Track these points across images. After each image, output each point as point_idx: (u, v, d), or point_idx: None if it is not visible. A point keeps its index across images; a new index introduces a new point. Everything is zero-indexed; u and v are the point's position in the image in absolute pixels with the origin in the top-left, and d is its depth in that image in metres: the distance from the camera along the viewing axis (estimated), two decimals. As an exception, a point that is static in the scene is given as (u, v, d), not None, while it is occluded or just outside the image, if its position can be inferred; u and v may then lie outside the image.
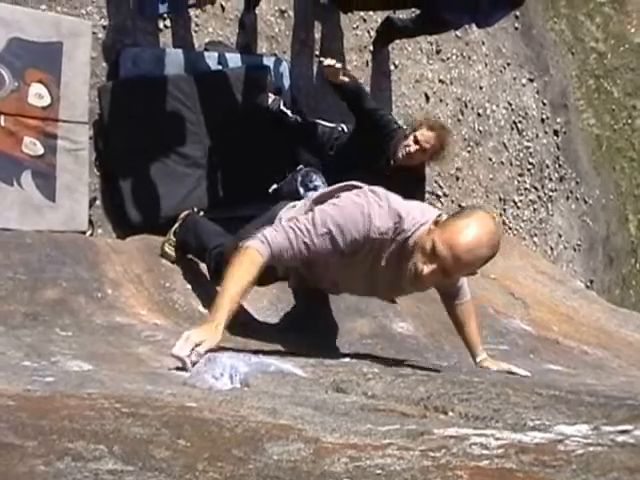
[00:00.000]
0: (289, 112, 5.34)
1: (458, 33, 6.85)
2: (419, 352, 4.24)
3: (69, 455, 1.24)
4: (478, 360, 3.63)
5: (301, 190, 4.73)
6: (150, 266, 4.08)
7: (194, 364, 2.46)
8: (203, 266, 4.08)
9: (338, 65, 4.91)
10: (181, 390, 1.99)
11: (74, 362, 2.38)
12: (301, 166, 4.92)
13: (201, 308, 3.89)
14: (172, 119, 4.98)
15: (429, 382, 2.10)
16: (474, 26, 6.43)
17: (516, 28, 7.38)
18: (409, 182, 4.80)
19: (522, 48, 7.47)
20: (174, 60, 5.13)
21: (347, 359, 2.94)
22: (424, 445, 1.43)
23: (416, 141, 4.84)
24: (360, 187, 3.13)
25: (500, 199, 7.37)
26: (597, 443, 1.48)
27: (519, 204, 7.51)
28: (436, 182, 6.95)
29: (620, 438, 1.53)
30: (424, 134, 4.85)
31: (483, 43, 7.16)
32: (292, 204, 3.51)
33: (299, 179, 4.77)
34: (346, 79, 4.97)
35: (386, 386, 2.09)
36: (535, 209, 7.61)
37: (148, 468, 1.24)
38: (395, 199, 3.04)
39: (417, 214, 2.99)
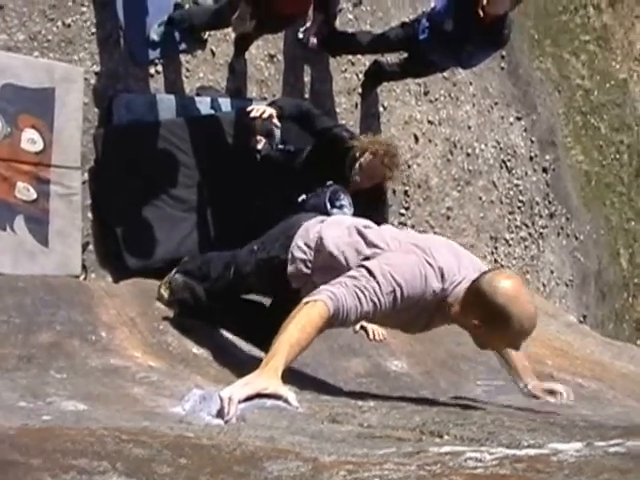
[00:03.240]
0: (279, 149, 5.33)
1: (445, 74, 6.93)
2: (414, 389, 4.24)
3: (74, 469, 1.25)
4: (530, 387, 3.61)
5: (328, 206, 4.60)
6: (144, 309, 4.09)
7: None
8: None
9: (266, 114, 4.60)
10: (178, 425, 2.00)
11: (69, 402, 2.39)
12: (330, 182, 4.80)
13: (195, 350, 3.89)
14: (167, 163, 5.04)
15: (424, 412, 2.12)
16: (459, 68, 6.53)
17: (502, 68, 7.48)
18: (370, 200, 4.76)
19: (509, 87, 7.56)
20: (167, 105, 5.19)
21: (343, 397, 2.96)
22: (420, 460, 1.45)
23: (361, 169, 4.70)
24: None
25: (491, 237, 7.42)
26: (589, 454, 1.50)
27: (510, 242, 7.55)
28: (427, 222, 7.00)
29: (612, 449, 1.55)
30: (369, 163, 4.69)
31: (470, 83, 7.24)
32: (320, 218, 3.54)
33: (328, 195, 4.64)
34: (277, 123, 4.74)
35: (382, 417, 2.11)
36: (526, 246, 7.65)
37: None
38: (438, 254, 3.09)
39: (456, 270, 3.06)
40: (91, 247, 4.97)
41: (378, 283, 2.92)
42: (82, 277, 4.65)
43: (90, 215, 5.01)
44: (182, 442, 1.58)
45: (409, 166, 6.86)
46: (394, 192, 6.58)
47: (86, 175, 5.00)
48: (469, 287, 3.00)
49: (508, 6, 5.36)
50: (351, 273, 3.00)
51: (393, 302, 2.95)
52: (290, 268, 3.39)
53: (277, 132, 5.56)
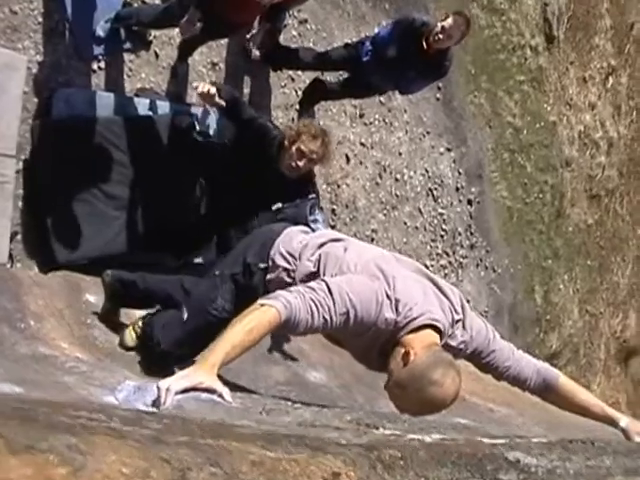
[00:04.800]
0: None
1: (382, 99, 7.05)
2: (333, 401, 4.30)
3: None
4: (623, 425, 3.34)
5: (309, 218, 4.61)
6: (71, 302, 4.08)
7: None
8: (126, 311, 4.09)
9: (212, 90, 4.72)
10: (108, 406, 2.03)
11: (5, 385, 2.39)
12: (313, 195, 4.83)
13: (123, 350, 3.90)
14: (102, 160, 5.03)
15: (353, 412, 2.19)
16: (397, 93, 6.66)
17: (438, 98, 7.64)
18: (297, 189, 4.84)
19: (442, 118, 7.73)
20: (106, 103, 5.18)
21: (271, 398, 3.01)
22: (370, 438, 1.51)
23: (301, 153, 4.77)
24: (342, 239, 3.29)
25: (412, 262, 7.54)
26: (515, 442, 1.61)
27: (430, 269, 7.68)
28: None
29: (535, 440, 1.66)
30: (308, 145, 4.75)
31: (405, 111, 7.38)
32: (303, 229, 3.53)
33: (309, 207, 4.65)
34: (222, 102, 4.82)
35: (314, 414, 2.17)
36: (446, 274, 7.80)
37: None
38: (401, 285, 3.10)
39: (413, 305, 3.07)
40: (19, 237, 4.92)
41: (334, 301, 2.94)
42: (8, 266, 4.61)
43: (21, 205, 4.97)
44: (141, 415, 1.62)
45: (338, 186, 6.95)
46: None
47: (20, 164, 4.96)
48: (426, 344, 3.01)
49: (454, 42, 5.52)
50: (311, 284, 3.03)
51: (345, 322, 2.97)
52: (270, 275, 3.34)
53: (213, 115, 5.54)
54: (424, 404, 2.94)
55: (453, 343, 3.21)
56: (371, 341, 3.10)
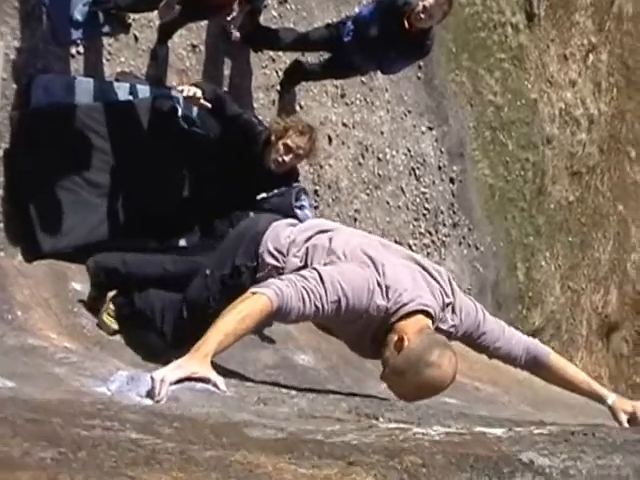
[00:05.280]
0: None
1: (363, 79, 7.03)
2: (321, 383, 4.31)
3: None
4: (610, 403, 3.40)
5: (295, 205, 4.62)
6: (57, 291, 4.06)
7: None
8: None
9: (198, 93, 4.75)
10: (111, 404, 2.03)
11: (-4, 379, 2.38)
12: (297, 184, 4.86)
13: (108, 335, 3.88)
14: (84, 147, 4.99)
15: (348, 400, 2.20)
16: (379, 72, 6.64)
17: (419, 77, 7.62)
18: (283, 183, 4.84)
19: (424, 97, 7.72)
20: (85, 88, 5.13)
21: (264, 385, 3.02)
22: (376, 433, 1.52)
23: (288, 148, 4.78)
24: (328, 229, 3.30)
25: (395, 242, 7.54)
26: (516, 435, 1.62)
27: (413, 247, 7.70)
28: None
29: (536, 431, 1.68)
30: (295, 141, 4.78)
31: (386, 90, 7.36)
32: (289, 221, 3.52)
33: (294, 194, 4.66)
34: (208, 104, 4.83)
35: (310, 402, 2.18)
36: (429, 253, 7.81)
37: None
38: (391, 271, 3.12)
39: (403, 291, 3.10)
40: (1, 225, 4.88)
41: (325, 290, 2.96)
42: (-9, 255, 4.58)
43: (2, 193, 4.92)
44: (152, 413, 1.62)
45: (321, 166, 6.93)
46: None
47: (0, 152, 4.91)
48: (418, 329, 3.04)
49: (436, 22, 5.51)
50: (303, 273, 3.04)
51: (336, 311, 2.99)
52: (260, 274, 3.32)
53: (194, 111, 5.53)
54: (423, 387, 2.97)
55: (444, 327, 3.23)
56: (363, 328, 3.12)
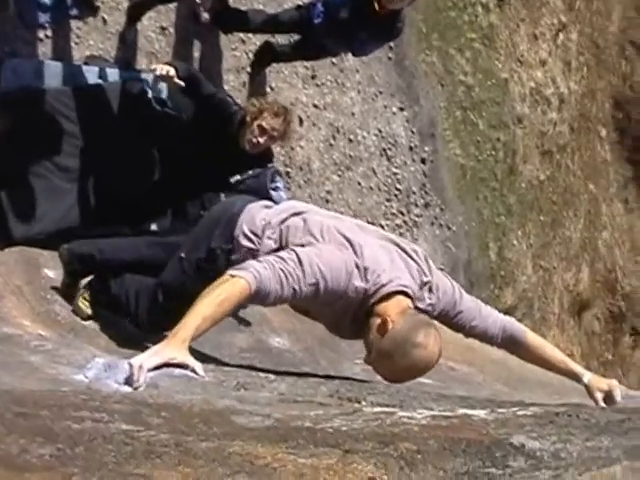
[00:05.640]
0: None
1: (334, 60, 7.01)
2: (297, 366, 4.33)
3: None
4: (586, 381, 3.43)
5: (270, 186, 4.62)
6: (30, 278, 4.04)
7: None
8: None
9: (172, 72, 4.77)
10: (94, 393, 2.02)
11: (-29, 368, 2.36)
12: (271, 165, 4.86)
13: (83, 320, 3.87)
14: (54, 132, 4.95)
15: (327, 383, 2.21)
16: (350, 54, 6.62)
17: (390, 58, 7.61)
18: (257, 164, 4.86)
19: (394, 78, 7.71)
20: (54, 72, 5.08)
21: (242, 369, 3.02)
22: (362, 418, 1.53)
23: (262, 130, 4.79)
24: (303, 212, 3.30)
25: (368, 223, 7.54)
26: (501, 417, 1.63)
27: (386, 228, 7.70)
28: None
29: (520, 413, 1.70)
30: (270, 122, 4.79)
31: (357, 71, 7.35)
32: (264, 203, 3.51)
33: (269, 176, 4.66)
34: (181, 83, 4.84)
35: (290, 387, 2.19)
36: (401, 233, 7.82)
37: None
38: (368, 252, 3.12)
39: (381, 272, 3.11)
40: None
41: (304, 272, 2.96)
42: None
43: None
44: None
45: (292, 148, 6.91)
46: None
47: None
48: (400, 310, 3.06)
49: (406, 4, 5.50)
50: (281, 254, 3.03)
51: (314, 293, 2.99)
52: (235, 256, 3.32)
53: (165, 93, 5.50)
54: (412, 368, 2.99)
55: (421, 306, 3.24)
56: (342, 310, 3.12)
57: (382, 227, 7.65)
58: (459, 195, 8.40)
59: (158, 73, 4.77)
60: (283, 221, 3.31)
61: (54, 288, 3.98)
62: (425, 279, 3.26)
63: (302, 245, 3.12)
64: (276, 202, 3.68)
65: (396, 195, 7.82)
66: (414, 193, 7.95)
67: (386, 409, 1.74)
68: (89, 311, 3.95)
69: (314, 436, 1.36)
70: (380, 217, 7.71)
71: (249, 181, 4.72)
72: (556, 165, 9.57)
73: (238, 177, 4.80)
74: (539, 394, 4.22)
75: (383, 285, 3.08)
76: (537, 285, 9.15)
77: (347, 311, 3.13)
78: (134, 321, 3.77)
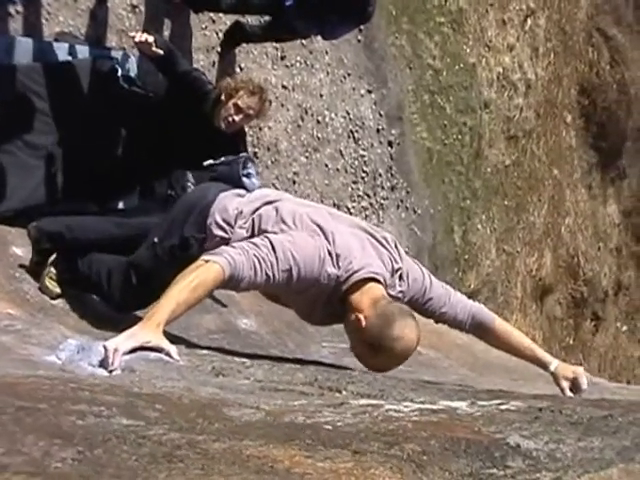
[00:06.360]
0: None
1: (304, 42, 7.01)
2: (264, 348, 4.35)
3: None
4: (552, 369, 3.48)
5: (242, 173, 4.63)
6: (-3, 255, 4.02)
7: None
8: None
9: (150, 39, 4.80)
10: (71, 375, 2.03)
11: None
12: (243, 154, 4.86)
13: (52, 300, 3.86)
14: (22, 109, 4.92)
15: (303, 370, 2.23)
16: (320, 37, 6.63)
17: (359, 40, 7.62)
18: (230, 144, 4.85)
19: (363, 60, 7.72)
20: (25, 49, 5.05)
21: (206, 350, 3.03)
22: (350, 411, 1.56)
23: (238, 108, 4.81)
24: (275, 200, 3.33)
25: (334, 204, 7.58)
26: (484, 411, 1.67)
27: (352, 210, 7.74)
28: (273, 184, 7.08)
29: (502, 407, 1.74)
30: (245, 101, 4.81)
31: (326, 52, 7.35)
32: (237, 192, 3.52)
33: (241, 163, 4.67)
34: (160, 51, 4.86)
35: (266, 372, 2.21)
36: (367, 216, 7.86)
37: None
38: (340, 240, 3.15)
39: (352, 259, 3.13)
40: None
41: (277, 258, 2.98)
42: None
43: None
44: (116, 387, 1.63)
45: (260, 129, 6.92)
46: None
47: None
48: (372, 301, 3.10)
49: None
50: (255, 240, 3.06)
51: (287, 279, 3.02)
52: (208, 244, 3.32)
53: (133, 58, 5.49)
54: (393, 359, 3.06)
55: (392, 292, 3.28)
56: (314, 297, 3.15)
57: (348, 209, 7.69)
58: (425, 179, 8.45)
59: (137, 40, 4.78)
60: (255, 210, 3.33)
61: (22, 266, 3.96)
62: (396, 266, 3.30)
63: (275, 233, 3.15)
64: (248, 189, 3.69)
65: (363, 177, 7.85)
66: (380, 176, 7.99)
67: (371, 401, 1.77)
68: (57, 290, 3.94)
69: (319, 434, 1.38)
70: (346, 199, 7.74)
71: (221, 168, 4.73)
72: (521, 150, 9.65)
73: (211, 161, 4.81)
74: (504, 379, 4.29)
75: (355, 272, 3.11)
76: (500, 269, 9.25)
77: (319, 299, 3.16)
78: (106, 299, 3.78)
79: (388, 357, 3.05)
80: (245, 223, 3.29)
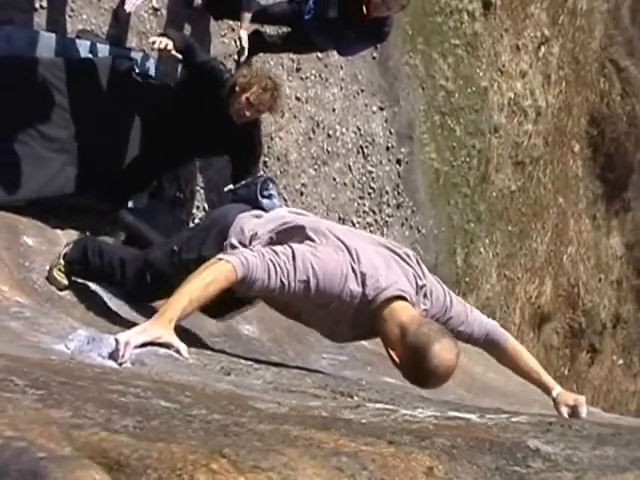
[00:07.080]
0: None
1: (319, 55, 7.07)
2: (265, 354, 4.38)
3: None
4: (555, 395, 3.54)
5: (259, 198, 4.68)
6: (9, 244, 4.06)
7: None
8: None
9: (170, 45, 4.86)
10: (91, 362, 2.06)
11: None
12: (261, 174, 4.93)
13: (60, 292, 3.90)
14: (41, 102, 4.98)
15: (311, 376, 2.26)
16: (336, 52, 6.70)
17: (374, 57, 7.69)
18: (244, 133, 4.99)
19: (377, 77, 7.79)
20: (47, 43, 5.12)
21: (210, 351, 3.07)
22: (366, 413, 1.59)
23: (250, 104, 4.85)
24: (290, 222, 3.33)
25: (339, 218, 7.63)
26: (493, 422, 1.72)
27: (356, 225, 7.78)
28: (281, 195, 7.13)
29: (513, 419, 1.78)
30: (258, 97, 4.84)
31: (341, 67, 7.42)
32: (255, 213, 3.55)
33: (259, 186, 4.71)
34: (179, 55, 4.96)
35: (275, 375, 2.24)
36: (371, 232, 7.89)
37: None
38: (365, 258, 3.13)
39: (379, 276, 3.12)
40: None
41: (295, 267, 2.99)
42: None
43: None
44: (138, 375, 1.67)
45: (272, 138, 6.97)
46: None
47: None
48: (401, 330, 3.06)
49: (393, 13, 5.60)
50: (276, 247, 3.08)
51: (305, 290, 3.02)
52: None
53: (152, 60, 5.56)
54: (440, 380, 3.07)
55: (417, 311, 3.26)
56: (338, 314, 3.13)
57: (353, 224, 7.73)
58: (431, 199, 8.49)
59: (157, 46, 4.86)
60: (271, 231, 3.37)
61: (32, 255, 4.01)
62: (420, 283, 3.28)
63: (300, 242, 3.16)
64: (267, 210, 3.73)
65: (369, 193, 7.89)
66: (387, 193, 8.03)
67: (385, 406, 1.81)
68: (65, 282, 3.99)
69: (350, 426, 1.42)
70: (352, 214, 7.78)
71: (241, 191, 4.78)
72: (528, 176, 9.69)
73: (231, 187, 4.86)
74: (501, 403, 4.32)
75: (383, 290, 3.08)
76: (500, 294, 9.27)
77: (344, 317, 3.15)
78: (118, 287, 3.85)
79: (435, 380, 3.05)
80: (260, 244, 3.31)
